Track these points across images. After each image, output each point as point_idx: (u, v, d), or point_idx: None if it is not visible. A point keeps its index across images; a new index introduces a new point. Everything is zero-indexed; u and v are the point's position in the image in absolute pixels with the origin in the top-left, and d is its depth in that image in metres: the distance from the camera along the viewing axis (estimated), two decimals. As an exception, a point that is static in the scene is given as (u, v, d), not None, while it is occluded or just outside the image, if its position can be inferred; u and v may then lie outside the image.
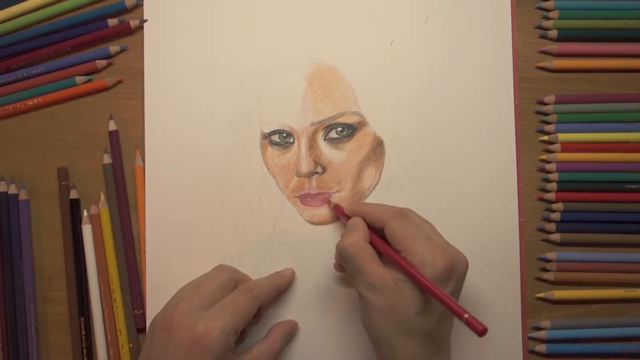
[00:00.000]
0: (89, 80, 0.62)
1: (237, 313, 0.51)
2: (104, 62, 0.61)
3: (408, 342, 0.49)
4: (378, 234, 0.53)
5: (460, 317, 0.45)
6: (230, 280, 0.54)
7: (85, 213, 0.61)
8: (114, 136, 0.61)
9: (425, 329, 0.49)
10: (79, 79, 0.61)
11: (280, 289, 0.58)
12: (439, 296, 0.46)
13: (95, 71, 0.62)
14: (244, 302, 0.52)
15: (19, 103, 0.61)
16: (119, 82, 0.62)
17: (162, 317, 0.51)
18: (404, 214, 0.53)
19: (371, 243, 0.53)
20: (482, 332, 0.44)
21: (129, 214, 0.61)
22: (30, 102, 0.61)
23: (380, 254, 0.52)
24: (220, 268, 0.56)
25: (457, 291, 0.51)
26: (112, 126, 0.61)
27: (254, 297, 0.53)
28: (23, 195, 0.61)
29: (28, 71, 0.61)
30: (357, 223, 0.54)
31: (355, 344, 0.59)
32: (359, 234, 0.52)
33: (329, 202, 0.60)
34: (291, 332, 0.59)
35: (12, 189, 0.61)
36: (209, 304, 0.51)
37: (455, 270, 0.49)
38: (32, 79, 0.62)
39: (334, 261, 0.57)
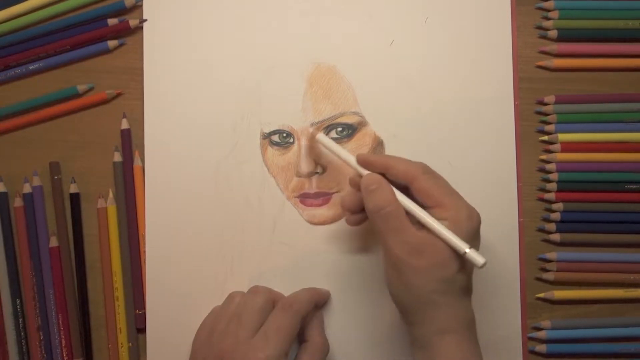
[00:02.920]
0: (91, 89, 0.62)
1: (282, 336, 0.51)
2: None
3: (451, 298, 0.49)
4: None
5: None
6: (268, 302, 0.54)
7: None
8: (125, 135, 0.61)
9: (464, 283, 0.50)
10: (81, 87, 0.61)
11: (317, 302, 0.58)
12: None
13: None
14: (287, 323, 0.52)
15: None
16: (118, 94, 0.62)
17: (210, 353, 0.52)
18: (431, 170, 0.52)
19: None
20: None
21: (136, 213, 0.61)
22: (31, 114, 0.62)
23: None
24: (255, 290, 0.56)
25: (479, 243, 0.52)
26: (124, 124, 0.61)
27: (294, 313, 0.53)
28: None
29: (26, 67, 0.61)
30: (381, 180, 0.51)
31: (356, 343, 0.60)
32: (391, 192, 0.51)
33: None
34: (322, 320, 0.59)
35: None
36: (253, 332, 0.52)
37: (480, 227, 0.51)
38: (32, 79, 0.62)
39: (346, 216, 0.57)
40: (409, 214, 0.50)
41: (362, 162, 0.54)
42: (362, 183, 0.52)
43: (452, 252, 0.48)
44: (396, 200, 0.50)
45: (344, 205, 0.55)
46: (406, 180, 0.51)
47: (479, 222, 0.50)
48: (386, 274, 0.52)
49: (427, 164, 0.52)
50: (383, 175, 0.52)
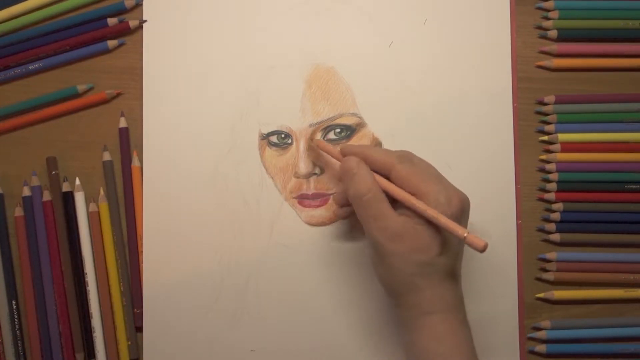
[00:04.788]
0: (90, 89, 0.62)
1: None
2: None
3: (433, 281, 0.49)
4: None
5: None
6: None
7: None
8: (123, 133, 0.61)
9: (447, 267, 0.50)
10: (80, 87, 0.61)
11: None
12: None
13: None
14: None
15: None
16: (118, 94, 0.62)
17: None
18: (409, 157, 0.52)
19: None
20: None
21: (134, 211, 0.61)
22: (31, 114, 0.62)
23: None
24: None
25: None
26: (122, 123, 0.61)
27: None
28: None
29: (26, 67, 0.62)
30: (361, 166, 0.51)
31: (356, 343, 0.60)
32: (372, 178, 0.51)
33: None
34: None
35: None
36: None
37: (465, 209, 0.50)
38: (32, 79, 0.62)
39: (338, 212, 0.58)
40: (395, 201, 0.51)
41: (345, 152, 0.54)
42: (341, 167, 0.53)
43: (431, 237, 0.49)
44: (376, 186, 0.51)
45: (336, 199, 0.57)
46: (384, 170, 0.52)
47: (461, 206, 0.49)
48: (371, 257, 0.52)
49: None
50: None
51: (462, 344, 0.50)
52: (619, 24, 0.61)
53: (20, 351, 0.60)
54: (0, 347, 0.59)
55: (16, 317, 0.60)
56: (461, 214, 0.50)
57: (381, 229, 0.49)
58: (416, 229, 0.49)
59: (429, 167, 0.52)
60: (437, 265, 0.49)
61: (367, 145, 0.58)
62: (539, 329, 0.60)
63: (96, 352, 0.60)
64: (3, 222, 0.61)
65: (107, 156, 0.61)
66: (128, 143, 0.61)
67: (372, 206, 0.50)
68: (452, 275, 0.51)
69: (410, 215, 0.49)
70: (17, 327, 0.60)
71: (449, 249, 0.50)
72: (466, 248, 0.59)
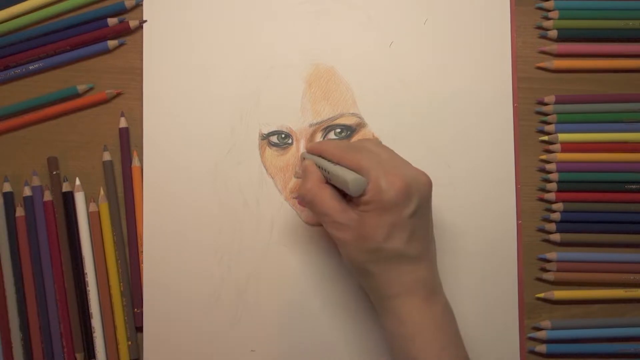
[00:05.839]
0: (91, 89, 0.62)
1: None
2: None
3: (386, 266, 0.50)
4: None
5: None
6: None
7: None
8: (123, 133, 0.61)
9: (397, 251, 0.50)
10: (81, 87, 0.61)
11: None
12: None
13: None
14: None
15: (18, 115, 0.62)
16: (118, 94, 0.62)
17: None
18: (358, 147, 0.53)
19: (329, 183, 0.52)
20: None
21: (135, 211, 0.61)
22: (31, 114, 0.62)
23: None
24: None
25: (424, 210, 0.51)
26: (122, 123, 0.61)
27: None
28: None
29: (26, 67, 0.62)
30: (308, 167, 0.54)
31: (355, 343, 0.60)
32: (313, 177, 0.52)
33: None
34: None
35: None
36: None
37: (415, 189, 0.49)
38: (32, 79, 0.62)
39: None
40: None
41: (308, 151, 0.57)
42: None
43: (374, 223, 0.49)
44: (317, 186, 0.52)
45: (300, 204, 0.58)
46: (336, 163, 0.52)
47: (405, 190, 0.48)
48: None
49: (425, 166, 0.52)
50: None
51: (427, 324, 0.50)
52: (619, 24, 0.61)
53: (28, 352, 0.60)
54: (8, 348, 0.60)
55: (25, 316, 0.60)
56: (406, 197, 0.49)
57: (330, 223, 0.51)
58: (360, 217, 0.50)
59: (379, 152, 0.52)
60: (386, 250, 0.49)
61: (324, 141, 0.59)
62: (539, 329, 0.60)
63: (96, 352, 0.60)
64: (12, 222, 0.61)
65: (107, 156, 0.61)
66: (128, 143, 0.61)
67: (315, 204, 0.52)
68: (409, 257, 0.50)
69: (358, 203, 0.50)
70: (23, 327, 0.60)
71: (399, 233, 0.49)
72: (461, 245, 0.59)
